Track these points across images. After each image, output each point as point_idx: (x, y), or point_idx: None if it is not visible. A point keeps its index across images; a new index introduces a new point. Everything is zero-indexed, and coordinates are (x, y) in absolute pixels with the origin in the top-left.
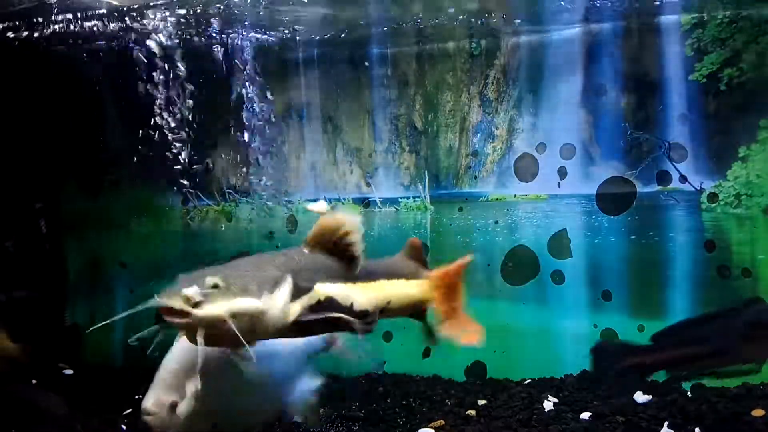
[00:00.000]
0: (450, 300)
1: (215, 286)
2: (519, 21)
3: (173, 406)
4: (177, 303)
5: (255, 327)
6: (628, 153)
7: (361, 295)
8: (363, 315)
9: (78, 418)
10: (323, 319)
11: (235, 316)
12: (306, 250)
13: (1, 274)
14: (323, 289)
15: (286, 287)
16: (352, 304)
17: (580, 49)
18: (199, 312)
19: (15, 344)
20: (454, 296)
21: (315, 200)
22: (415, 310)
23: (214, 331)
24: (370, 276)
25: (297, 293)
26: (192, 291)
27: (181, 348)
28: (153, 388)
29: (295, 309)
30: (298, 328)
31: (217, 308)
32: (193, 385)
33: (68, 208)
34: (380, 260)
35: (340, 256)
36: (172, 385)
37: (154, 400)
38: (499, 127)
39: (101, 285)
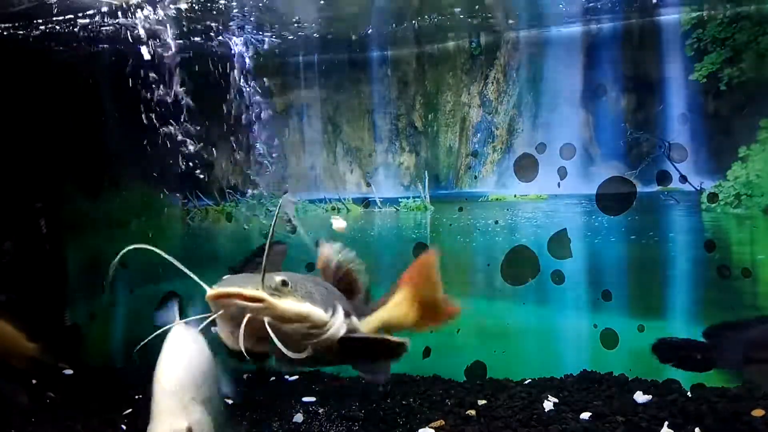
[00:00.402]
0: (428, 295)
1: (284, 284)
2: (519, 21)
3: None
4: (252, 291)
5: (310, 334)
6: (628, 153)
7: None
8: (399, 346)
9: (78, 418)
10: (364, 344)
11: (299, 316)
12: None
13: (1, 275)
14: (373, 321)
15: (341, 308)
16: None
17: (580, 49)
18: (278, 302)
19: (34, 344)
20: (431, 289)
21: (326, 202)
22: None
23: (279, 326)
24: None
25: (348, 317)
26: (274, 281)
27: (172, 370)
28: (159, 419)
29: (341, 328)
30: (342, 350)
31: (295, 305)
32: (199, 405)
33: (68, 208)
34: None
35: (346, 290)
36: (178, 409)
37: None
38: (499, 127)
39: (101, 285)
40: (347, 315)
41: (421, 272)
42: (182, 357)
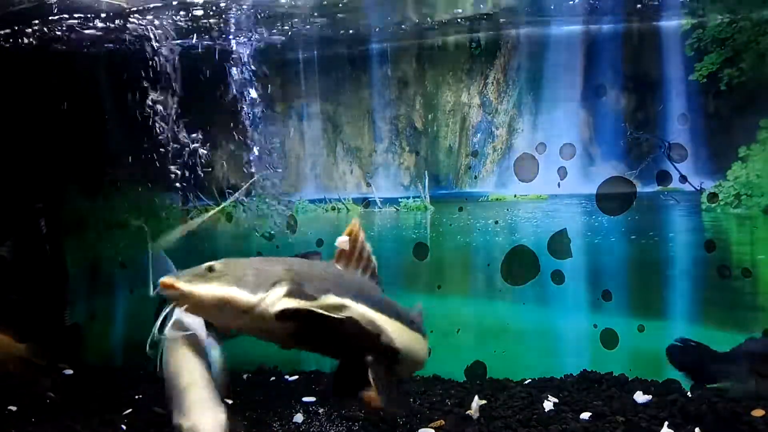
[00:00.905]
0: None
1: (210, 269)
2: (519, 21)
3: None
4: (167, 279)
5: (238, 318)
6: (628, 153)
7: (396, 331)
8: (390, 352)
9: (78, 418)
10: (330, 335)
11: (219, 301)
12: (339, 266)
13: (1, 275)
14: (333, 301)
15: (282, 287)
16: (380, 334)
17: (580, 49)
18: (194, 288)
19: (23, 344)
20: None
21: (326, 202)
22: None
23: (198, 310)
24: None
25: (299, 297)
26: (201, 268)
27: (196, 364)
28: (199, 414)
29: (277, 305)
30: (294, 336)
31: (213, 289)
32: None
33: (68, 208)
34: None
35: (367, 272)
36: (214, 401)
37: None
38: (499, 127)
39: (101, 285)
40: (304, 295)
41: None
42: (200, 351)
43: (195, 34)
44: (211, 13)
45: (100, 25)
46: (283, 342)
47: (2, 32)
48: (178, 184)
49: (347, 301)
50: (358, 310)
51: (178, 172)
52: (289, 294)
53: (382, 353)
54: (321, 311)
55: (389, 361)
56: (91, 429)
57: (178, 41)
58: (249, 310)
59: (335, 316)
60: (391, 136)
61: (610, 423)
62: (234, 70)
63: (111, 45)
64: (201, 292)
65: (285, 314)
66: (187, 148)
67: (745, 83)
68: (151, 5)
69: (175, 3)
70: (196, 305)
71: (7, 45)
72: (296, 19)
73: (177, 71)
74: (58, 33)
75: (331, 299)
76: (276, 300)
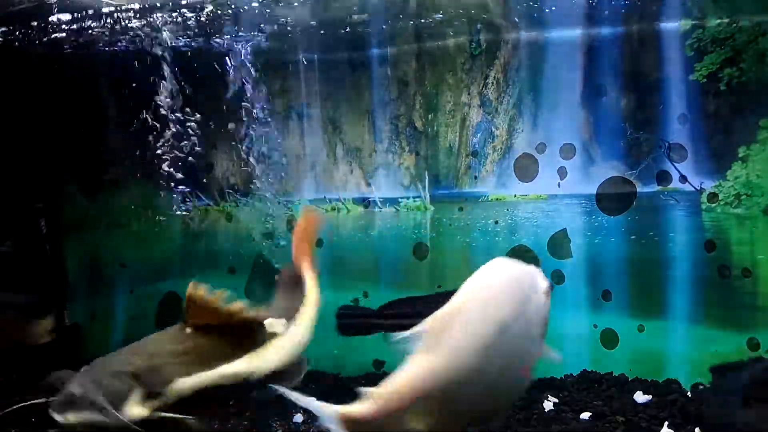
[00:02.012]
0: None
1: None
2: (519, 21)
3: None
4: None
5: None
6: (628, 153)
7: (258, 362)
8: (268, 380)
9: None
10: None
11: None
12: (188, 330)
13: (1, 275)
14: (182, 385)
15: (135, 395)
16: (246, 377)
17: (580, 49)
18: (62, 418)
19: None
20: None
21: (326, 202)
22: None
23: None
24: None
25: (152, 397)
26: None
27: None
28: None
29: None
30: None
31: (77, 417)
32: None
33: (68, 208)
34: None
35: (235, 328)
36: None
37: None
38: (499, 127)
39: (101, 285)
40: (156, 395)
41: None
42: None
43: (195, 34)
44: (211, 12)
45: (100, 24)
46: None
47: (2, 32)
48: (178, 184)
49: (195, 379)
50: (211, 377)
51: (178, 172)
52: (140, 401)
53: (263, 384)
54: (167, 415)
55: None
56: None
57: (178, 41)
58: (124, 429)
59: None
60: (391, 136)
61: (610, 423)
62: (234, 70)
63: (111, 44)
64: (72, 420)
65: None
66: (187, 148)
67: (745, 83)
68: (151, 4)
69: (174, 3)
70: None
71: (7, 45)
72: (296, 19)
73: (177, 71)
74: (58, 33)
75: (177, 389)
76: (134, 410)
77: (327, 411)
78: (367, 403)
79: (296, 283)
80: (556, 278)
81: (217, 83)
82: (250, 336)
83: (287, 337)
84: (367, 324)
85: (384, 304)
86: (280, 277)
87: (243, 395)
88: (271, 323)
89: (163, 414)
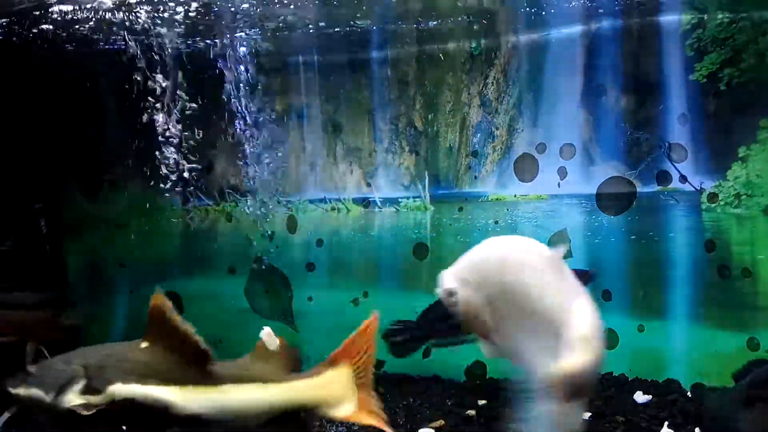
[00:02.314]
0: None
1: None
2: (519, 21)
3: (449, 294)
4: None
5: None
6: (628, 153)
7: (189, 398)
8: (190, 421)
9: (78, 419)
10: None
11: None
12: (144, 344)
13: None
14: (119, 390)
15: (77, 384)
16: (167, 407)
17: (579, 49)
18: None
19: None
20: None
21: (326, 202)
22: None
23: None
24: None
25: (91, 392)
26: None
27: (488, 244)
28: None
29: (72, 402)
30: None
31: (25, 391)
32: (477, 287)
33: (68, 208)
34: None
35: (186, 353)
36: (460, 274)
37: (444, 275)
38: (499, 127)
39: (101, 285)
40: (92, 390)
41: (365, 343)
42: (500, 253)
43: (195, 33)
44: (211, 11)
45: (99, 24)
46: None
47: (2, 32)
48: (178, 184)
49: (129, 388)
50: (141, 392)
51: (178, 172)
52: (81, 391)
53: (184, 423)
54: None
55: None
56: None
57: (179, 40)
58: (52, 409)
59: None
60: (391, 136)
61: (610, 423)
62: (234, 70)
63: (110, 44)
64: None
65: (77, 413)
66: (187, 148)
67: (745, 83)
68: (151, 5)
69: (174, 1)
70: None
71: (7, 44)
72: (296, 18)
73: (177, 70)
74: (58, 32)
75: (115, 390)
76: (73, 398)
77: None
78: (582, 350)
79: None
80: None
81: (217, 83)
82: (201, 370)
83: (249, 390)
84: (417, 337)
85: (423, 311)
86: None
87: (158, 424)
88: (269, 333)
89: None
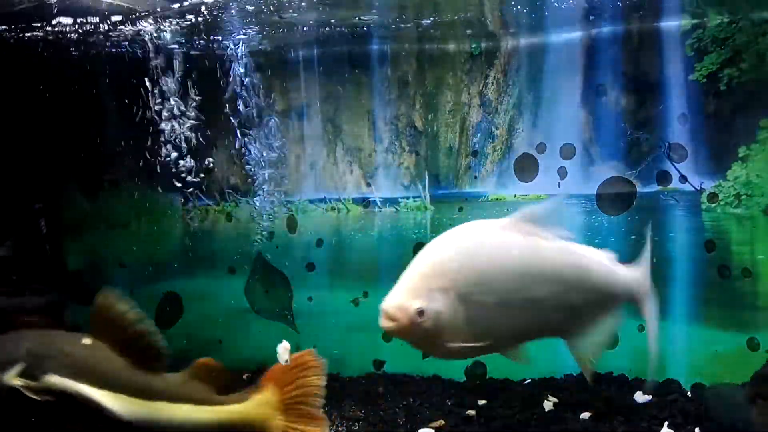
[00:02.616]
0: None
1: None
2: (519, 21)
3: (419, 313)
4: None
5: None
6: (628, 153)
7: (121, 405)
8: (120, 426)
9: (78, 419)
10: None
11: None
12: (86, 340)
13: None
14: (55, 382)
15: (17, 367)
16: (100, 408)
17: (580, 49)
18: None
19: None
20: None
21: (326, 202)
22: None
23: None
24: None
25: (28, 377)
26: None
27: (433, 252)
28: (394, 292)
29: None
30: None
31: None
32: (446, 291)
33: (68, 208)
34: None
35: (132, 355)
36: (420, 286)
37: (396, 303)
38: (499, 127)
39: (101, 285)
40: (29, 375)
41: (298, 374)
42: (453, 246)
43: (194, 34)
44: (210, 13)
45: (99, 24)
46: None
47: (2, 32)
48: (178, 184)
49: (64, 382)
50: (75, 388)
51: (179, 172)
52: (19, 374)
53: (115, 427)
54: (23, 388)
55: None
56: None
57: (178, 41)
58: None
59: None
60: (391, 136)
61: (610, 423)
62: (233, 70)
63: (112, 45)
64: None
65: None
66: (187, 148)
67: (745, 83)
68: (151, 6)
69: (175, 6)
70: None
71: (7, 44)
72: (296, 18)
73: (177, 71)
74: (59, 33)
75: (53, 380)
76: (11, 378)
77: None
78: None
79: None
80: None
81: (217, 83)
82: (141, 377)
83: (182, 409)
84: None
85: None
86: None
87: (91, 421)
88: (286, 348)
89: (19, 386)
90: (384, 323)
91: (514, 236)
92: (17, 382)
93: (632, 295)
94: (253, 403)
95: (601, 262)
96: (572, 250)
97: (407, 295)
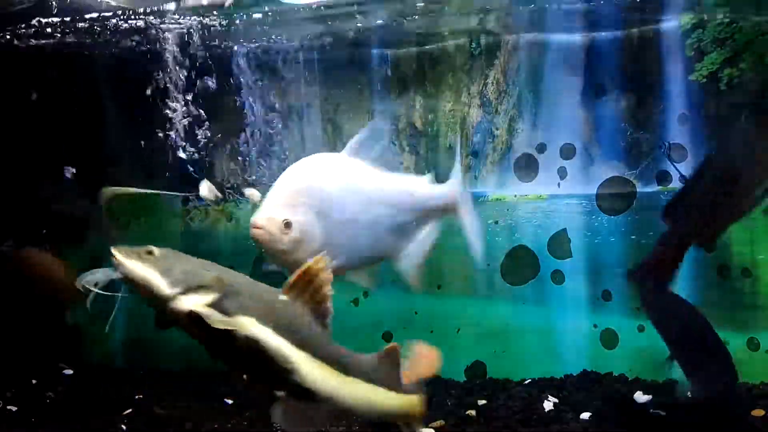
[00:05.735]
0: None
1: (149, 252)
2: (519, 20)
3: (286, 224)
4: (115, 249)
5: (160, 305)
6: (628, 153)
7: (314, 369)
8: (302, 393)
9: (78, 418)
10: (236, 356)
11: (141, 280)
12: (283, 296)
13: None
14: (246, 325)
15: (206, 295)
16: (291, 369)
17: (580, 49)
18: (126, 262)
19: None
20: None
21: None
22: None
23: (128, 282)
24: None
25: (216, 309)
26: (143, 249)
27: (298, 168)
28: (265, 204)
29: (190, 307)
30: (208, 346)
31: (130, 264)
32: (308, 208)
33: (68, 208)
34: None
35: (315, 310)
36: (286, 203)
37: (265, 215)
38: (499, 127)
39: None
40: (221, 309)
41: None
42: (312, 170)
43: (194, 35)
44: (210, 14)
45: (99, 24)
46: (206, 349)
47: (1, 32)
48: (178, 184)
49: (262, 331)
50: (272, 342)
51: (179, 172)
52: (209, 303)
53: (294, 392)
54: (213, 323)
55: (304, 402)
56: (91, 429)
57: (178, 41)
58: (164, 301)
59: (235, 333)
60: (391, 136)
61: (610, 423)
62: (234, 69)
63: (111, 44)
64: (128, 267)
65: (191, 317)
66: (187, 148)
67: (745, 83)
68: (153, 7)
69: (175, 6)
70: (125, 277)
71: (7, 44)
72: (297, 18)
73: (177, 71)
74: (58, 33)
75: (246, 323)
76: (193, 303)
77: None
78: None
79: None
80: (556, 278)
81: (217, 83)
82: (342, 350)
83: (374, 391)
84: None
85: None
86: None
87: (270, 380)
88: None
89: (209, 316)
90: (255, 233)
91: (358, 163)
92: (204, 310)
93: (448, 205)
94: (419, 399)
95: (421, 184)
96: (398, 177)
97: (276, 209)
